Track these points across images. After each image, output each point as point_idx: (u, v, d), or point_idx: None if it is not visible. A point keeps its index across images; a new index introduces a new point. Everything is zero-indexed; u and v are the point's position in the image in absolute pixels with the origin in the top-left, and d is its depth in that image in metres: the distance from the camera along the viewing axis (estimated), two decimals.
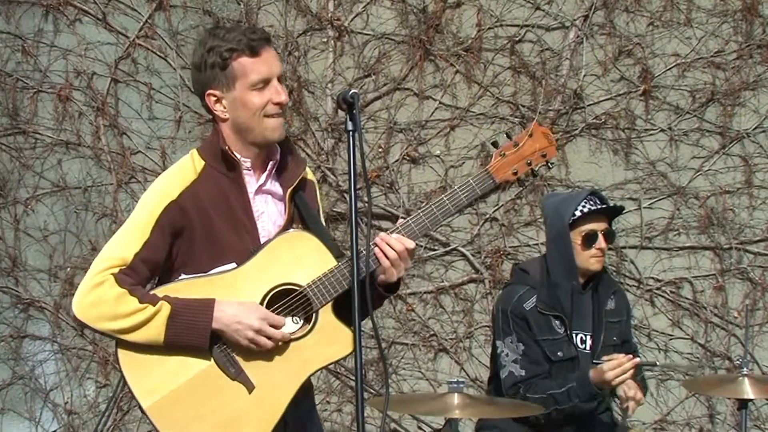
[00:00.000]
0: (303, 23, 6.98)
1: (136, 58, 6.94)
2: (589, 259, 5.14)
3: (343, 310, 3.84)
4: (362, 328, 3.83)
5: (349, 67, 7.00)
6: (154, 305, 3.71)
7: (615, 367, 4.84)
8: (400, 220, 3.94)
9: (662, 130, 7.02)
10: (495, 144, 3.98)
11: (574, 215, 5.10)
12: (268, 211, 3.92)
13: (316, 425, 4.11)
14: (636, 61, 7.03)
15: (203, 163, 3.88)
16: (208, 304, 3.74)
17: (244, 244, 3.84)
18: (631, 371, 4.87)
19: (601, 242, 5.13)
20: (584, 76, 7.00)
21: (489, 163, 3.95)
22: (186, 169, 3.89)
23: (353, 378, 6.86)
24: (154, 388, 3.76)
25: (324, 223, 4.08)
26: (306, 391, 4.03)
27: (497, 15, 6.99)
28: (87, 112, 6.91)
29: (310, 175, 4.06)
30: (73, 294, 3.80)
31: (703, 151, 7.01)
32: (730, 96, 7.00)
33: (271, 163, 3.92)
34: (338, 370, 6.89)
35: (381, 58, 7.01)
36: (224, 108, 3.83)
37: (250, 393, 3.77)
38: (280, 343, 3.77)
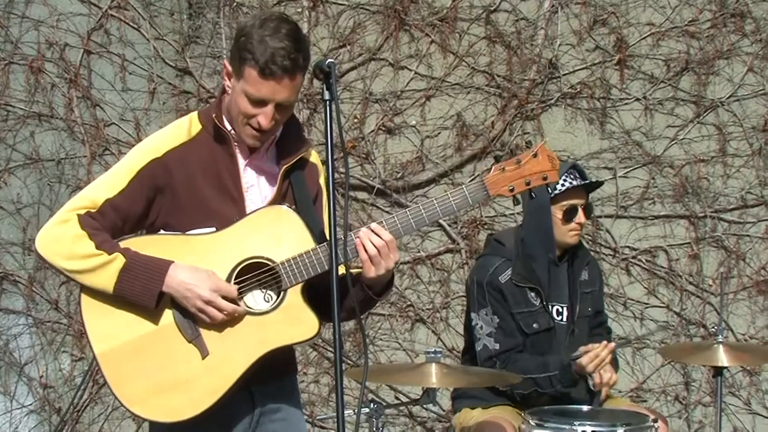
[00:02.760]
0: None
1: (109, 29, 6.88)
2: (568, 233, 5.16)
3: (317, 303, 3.80)
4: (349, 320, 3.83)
5: (324, 37, 6.97)
6: (110, 254, 3.70)
7: (593, 358, 4.89)
8: (386, 216, 3.83)
9: (637, 99, 7.03)
10: (497, 159, 3.93)
11: (559, 190, 5.10)
12: (258, 185, 3.88)
13: (294, 405, 4.04)
14: (611, 30, 7.02)
15: (200, 127, 3.86)
16: (162, 266, 3.72)
17: (229, 212, 3.81)
18: (609, 357, 4.92)
19: (580, 217, 5.16)
20: (559, 45, 6.99)
21: (487, 175, 3.87)
22: (180, 129, 3.86)
23: (330, 349, 6.86)
24: (109, 335, 3.75)
25: (325, 206, 3.98)
26: (284, 370, 4.00)
27: None
28: (59, 83, 6.86)
29: (313, 158, 4.00)
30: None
31: (677, 120, 7.03)
32: (705, 65, 7.01)
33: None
34: (315, 342, 6.88)
35: (356, 28, 6.98)
36: (230, 86, 3.79)
37: (203, 359, 3.74)
38: (233, 315, 3.74)
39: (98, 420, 6.87)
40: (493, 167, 3.86)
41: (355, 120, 6.96)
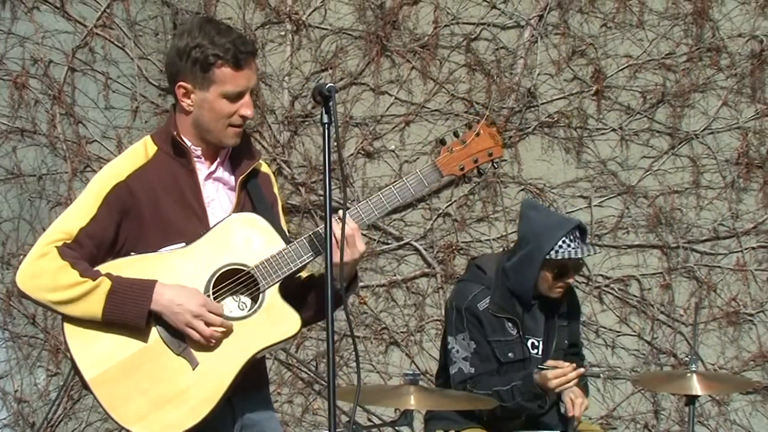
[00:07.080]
0: (261, 16, 6.99)
1: (94, 47, 6.91)
2: (553, 289, 5.13)
3: (291, 300, 3.90)
4: (317, 321, 3.90)
5: (306, 60, 7.03)
6: (94, 280, 3.75)
7: (559, 375, 4.88)
8: (350, 209, 3.92)
9: (613, 130, 7.11)
10: (443, 141, 4.07)
11: (555, 251, 5.02)
12: (218, 198, 3.96)
13: (271, 414, 4.13)
14: (589, 61, 7.11)
15: (155, 148, 3.94)
16: (148, 285, 3.77)
17: (193, 228, 3.88)
18: (575, 381, 4.93)
19: (570, 277, 5.13)
20: (538, 74, 7.08)
21: (437, 157, 4.03)
22: (137, 153, 3.94)
23: (305, 369, 6.89)
24: (98, 361, 3.79)
25: (281, 214, 4.12)
26: (259, 382, 4.07)
27: (453, 13, 7.04)
28: (43, 100, 6.88)
29: (264, 168, 4.11)
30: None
31: (652, 151, 7.11)
32: (680, 97, 7.10)
33: (222, 152, 3.97)
34: (290, 362, 6.91)
35: (338, 52, 7.03)
36: (191, 103, 3.87)
37: (193, 369, 3.80)
38: (220, 329, 3.80)
39: None
40: (442, 149, 4.04)
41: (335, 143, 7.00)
